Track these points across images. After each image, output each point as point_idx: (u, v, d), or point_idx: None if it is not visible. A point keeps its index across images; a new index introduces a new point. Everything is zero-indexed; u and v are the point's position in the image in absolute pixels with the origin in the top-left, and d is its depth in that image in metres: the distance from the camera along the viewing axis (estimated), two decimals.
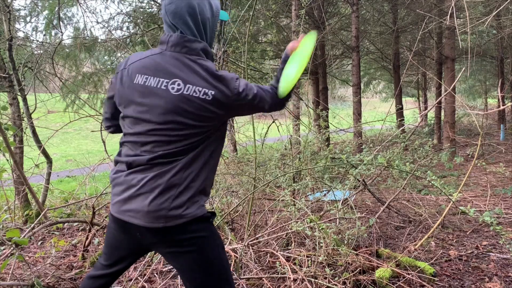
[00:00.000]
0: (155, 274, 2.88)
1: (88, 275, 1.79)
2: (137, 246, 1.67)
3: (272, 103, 1.66)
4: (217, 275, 1.60)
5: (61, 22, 5.44)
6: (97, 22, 8.29)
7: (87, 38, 7.11)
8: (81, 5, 5.75)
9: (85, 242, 3.31)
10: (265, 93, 1.64)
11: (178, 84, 1.50)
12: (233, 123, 6.75)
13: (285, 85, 1.65)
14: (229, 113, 1.58)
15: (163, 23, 1.64)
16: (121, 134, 1.71)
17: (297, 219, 3.14)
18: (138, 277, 2.80)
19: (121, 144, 1.66)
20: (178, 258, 1.58)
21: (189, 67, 1.52)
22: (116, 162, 1.64)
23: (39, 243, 3.83)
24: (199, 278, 1.57)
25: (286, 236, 3.13)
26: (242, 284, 2.58)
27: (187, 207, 1.51)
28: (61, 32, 5.23)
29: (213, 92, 1.49)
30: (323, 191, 4.22)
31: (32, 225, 3.18)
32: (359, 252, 2.88)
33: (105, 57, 8.77)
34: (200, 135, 1.55)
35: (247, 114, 1.69)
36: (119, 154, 1.65)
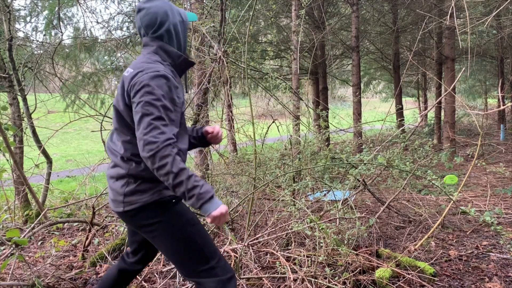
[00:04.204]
0: (155, 274, 2.88)
1: (122, 257, 1.96)
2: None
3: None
4: (189, 255, 1.61)
5: (61, 22, 5.44)
6: (97, 22, 8.28)
7: (87, 38, 7.11)
8: (81, 5, 5.75)
9: (85, 242, 3.31)
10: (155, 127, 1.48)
11: (127, 71, 1.65)
12: (233, 123, 6.74)
13: None
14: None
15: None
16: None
17: (297, 219, 3.14)
18: (138, 277, 2.80)
19: None
20: (152, 242, 1.67)
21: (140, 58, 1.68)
22: None
23: (39, 243, 3.83)
24: (172, 260, 1.65)
25: (286, 236, 3.13)
26: (242, 284, 2.57)
27: (141, 192, 1.59)
28: (61, 32, 5.23)
29: (134, 72, 1.58)
30: (323, 191, 4.22)
31: (32, 225, 3.18)
32: (359, 252, 2.88)
33: (105, 57, 8.76)
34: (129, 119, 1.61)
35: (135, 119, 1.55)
36: None
